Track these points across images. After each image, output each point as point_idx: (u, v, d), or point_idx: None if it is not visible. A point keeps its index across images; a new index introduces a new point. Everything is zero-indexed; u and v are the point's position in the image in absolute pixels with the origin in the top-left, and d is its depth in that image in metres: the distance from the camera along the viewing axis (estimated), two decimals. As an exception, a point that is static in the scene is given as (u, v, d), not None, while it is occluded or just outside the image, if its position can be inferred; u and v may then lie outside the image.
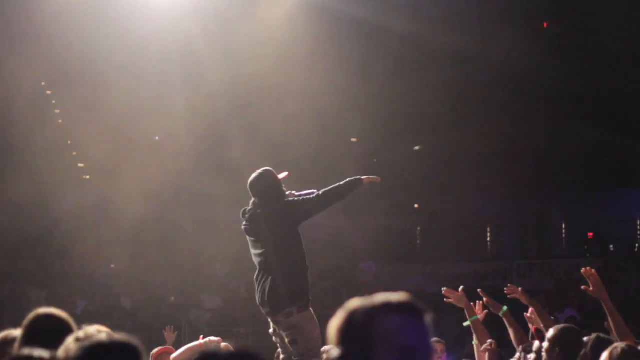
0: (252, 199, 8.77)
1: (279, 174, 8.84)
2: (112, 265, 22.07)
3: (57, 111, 22.36)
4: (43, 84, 21.80)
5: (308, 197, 8.73)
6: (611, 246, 24.97)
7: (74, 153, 22.58)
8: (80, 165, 22.78)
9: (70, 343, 3.52)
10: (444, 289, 8.39)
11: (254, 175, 8.76)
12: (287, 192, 8.76)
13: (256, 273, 8.69)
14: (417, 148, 24.26)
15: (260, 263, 8.66)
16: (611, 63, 23.00)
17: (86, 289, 21.26)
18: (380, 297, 3.08)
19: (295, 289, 8.50)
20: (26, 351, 3.40)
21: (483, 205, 26.43)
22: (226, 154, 21.80)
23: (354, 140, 23.62)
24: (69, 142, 22.43)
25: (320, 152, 21.79)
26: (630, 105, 23.58)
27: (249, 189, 8.74)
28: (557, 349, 6.27)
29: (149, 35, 20.19)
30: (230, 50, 20.79)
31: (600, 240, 25.21)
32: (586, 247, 25.52)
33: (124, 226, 20.84)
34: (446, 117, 23.37)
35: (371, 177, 8.95)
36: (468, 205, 25.53)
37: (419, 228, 24.64)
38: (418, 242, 24.33)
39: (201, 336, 10.06)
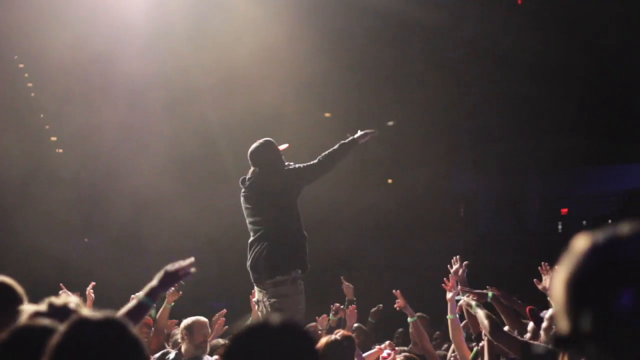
0: (252, 169, 8.81)
1: (279, 145, 8.90)
2: (86, 239, 22.01)
3: (29, 84, 22.16)
4: (16, 57, 21.63)
5: (307, 163, 8.79)
6: (584, 222, 25.13)
7: (47, 127, 22.41)
8: (53, 139, 22.61)
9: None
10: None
11: (254, 145, 8.82)
12: (286, 164, 8.81)
13: (251, 240, 8.70)
14: (390, 123, 24.23)
15: (256, 231, 8.68)
16: (588, 39, 23.05)
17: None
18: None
19: (293, 257, 8.54)
20: (29, 321, 3.39)
21: (456, 180, 26.54)
22: (204, 123, 21.77)
23: (327, 115, 23.57)
24: (42, 115, 22.28)
25: (296, 128, 21.77)
26: (605, 80, 23.67)
27: (249, 158, 8.79)
28: (554, 327, 6.31)
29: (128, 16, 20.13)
30: (206, 32, 20.72)
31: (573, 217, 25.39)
32: (560, 223, 25.68)
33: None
34: (420, 92, 23.37)
35: (366, 132, 9.03)
36: (442, 180, 25.61)
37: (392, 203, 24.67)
38: (392, 217, 24.32)
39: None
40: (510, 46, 23.17)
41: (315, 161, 8.84)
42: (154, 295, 4.53)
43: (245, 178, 8.84)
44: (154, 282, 4.55)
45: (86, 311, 3.57)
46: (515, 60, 23.63)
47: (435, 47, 23.13)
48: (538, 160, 26.17)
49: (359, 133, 9.06)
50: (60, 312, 3.53)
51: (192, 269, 4.57)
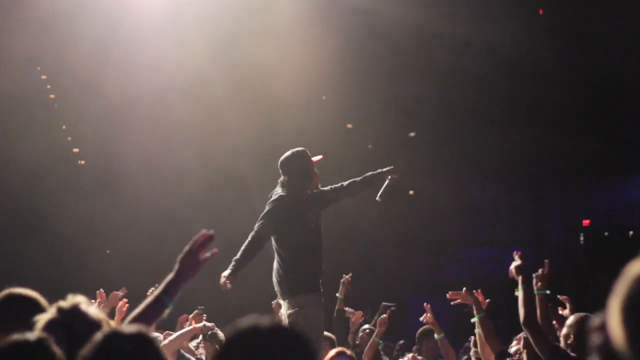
0: (281, 178, 8.73)
1: (313, 156, 8.81)
2: (108, 251, 22.04)
3: (51, 96, 22.25)
4: (38, 68, 21.72)
5: (335, 186, 8.73)
6: (606, 233, 24.99)
7: (69, 138, 22.49)
8: (75, 150, 22.69)
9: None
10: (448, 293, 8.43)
11: (287, 153, 8.73)
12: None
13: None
14: (412, 134, 24.20)
15: (275, 249, 8.65)
16: (611, 47, 22.95)
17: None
18: None
19: (305, 273, 8.47)
20: (16, 336, 3.41)
21: (478, 190, 26.46)
22: (222, 142, 21.80)
23: (349, 126, 23.56)
24: (64, 127, 22.35)
25: (316, 139, 21.78)
26: (627, 90, 23.55)
27: (279, 166, 8.70)
28: (572, 336, 6.31)
29: (145, 16, 20.22)
30: (224, 38, 20.78)
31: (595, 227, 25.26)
32: (582, 234, 25.53)
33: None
34: (442, 103, 23.34)
35: (392, 171, 8.91)
36: (463, 189, 25.53)
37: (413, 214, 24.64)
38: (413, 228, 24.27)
39: (193, 320, 10.05)
40: (533, 56, 23.10)
41: (344, 185, 8.78)
42: (173, 291, 4.18)
43: (271, 194, 8.76)
44: (171, 275, 4.23)
45: (95, 311, 3.61)
46: (536, 70, 23.57)
47: (457, 59, 23.07)
48: (559, 170, 26.05)
49: (387, 169, 8.95)
50: (70, 315, 3.58)
51: (213, 250, 4.22)
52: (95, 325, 3.63)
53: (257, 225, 8.40)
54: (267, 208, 8.50)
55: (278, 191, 8.60)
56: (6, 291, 4.31)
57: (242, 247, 8.33)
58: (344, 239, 21.67)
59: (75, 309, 3.66)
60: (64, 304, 3.67)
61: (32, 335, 3.34)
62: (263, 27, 20.61)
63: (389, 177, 8.95)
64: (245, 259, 8.30)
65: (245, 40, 20.78)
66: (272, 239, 8.52)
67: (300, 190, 8.60)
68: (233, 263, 8.25)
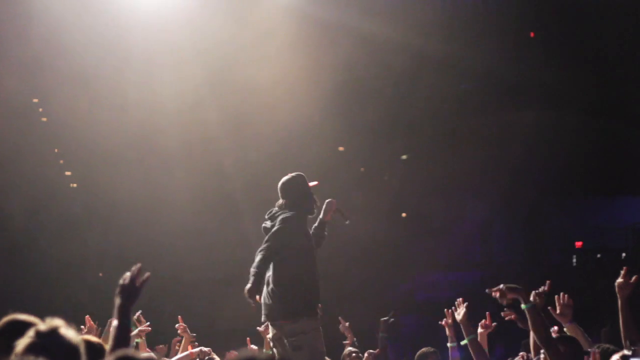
0: (279, 201, 8.76)
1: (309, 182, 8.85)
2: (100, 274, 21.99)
3: (43, 119, 22.25)
4: (34, 100, 21.77)
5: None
6: (599, 255, 24.99)
7: (61, 161, 22.48)
8: (68, 173, 22.68)
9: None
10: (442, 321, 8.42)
11: (285, 177, 8.78)
12: (329, 200, 8.84)
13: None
14: (404, 157, 24.23)
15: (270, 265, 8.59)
16: (602, 69, 23.06)
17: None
18: None
19: (303, 298, 8.41)
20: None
21: (471, 211, 26.46)
22: (216, 161, 21.82)
23: (341, 149, 23.59)
24: (56, 150, 22.35)
25: (308, 161, 21.82)
26: (620, 111, 23.64)
27: (278, 189, 8.74)
28: None
29: (136, 41, 20.25)
30: (216, 56, 20.83)
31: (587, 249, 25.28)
32: (574, 256, 25.54)
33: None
34: (433, 124, 23.40)
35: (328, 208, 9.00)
36: (457, 211, 25.53)
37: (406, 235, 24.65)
38: (406, 249, 24.26)
39: (189, 345, 10.04)
40: (524, 77, 23.19)
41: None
42: (126, 314, 4.57)
43: (271, 210, 8.78)
44: (118, 301, 4.58)
45: (73, 334, 3.61)
46: (528, 91, 23.65)
47: (449, 80, 23.14)
48: (551, 190, 26.09)
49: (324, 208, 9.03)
50: (49, 338, 3.58)
51: (146, 274, 4.60)
52: (73, 349, 3.65)
53: (271, 240, 8.35)
54: (278, 226, 8.47)
55: (282, 212, 8.60)
56: (8, 317, 4.31)
57: (259, 261, 8.22)
58: (338, 260, 21.69)
59: (53, 333, 3.66)
60: (42, 327, 3.67)
61: None
62: (256, 50, 20.66)
63: (329, 214, 9.02)
64: (264, 271, 8.28)
65: (239, 64, 20.83)
66: (279, 258, 8.48)
67: (306, 212, 8.64)
68: (255, 277, 8.14)
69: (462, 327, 8.24)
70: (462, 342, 8.21)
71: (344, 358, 10.29)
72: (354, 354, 10.73)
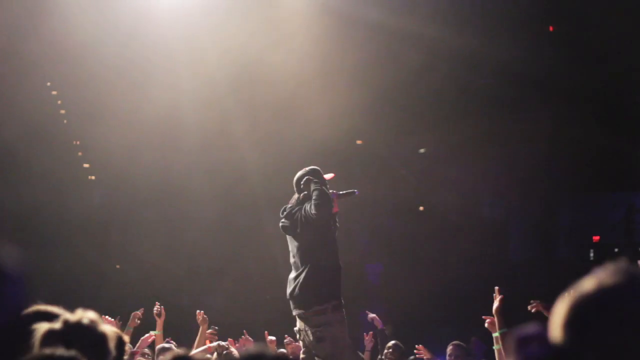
0: (295, 195, 8.79)
1: (325, 174, 8.89)
2: (117, 266, 22.05)
3: (62, 111, 22.33)
4: (49, 84, 21.79)
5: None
6: (616, 249, 24.89)
7: (80, 153, 22.55)
8: (86, 165, 22.75)
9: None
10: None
11: (300, 172, 8.83)
12: (331, 192, 8.81)
13: (291, 273, 8.62)
14: (422, 151, 24.19)
15: (294, 263, 8.63)
16: (620, 64, 22.95)
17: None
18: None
19: (330, 286, 8.48)
20: (47, 351, 3.40)
21: (487, 208, 26.39)
22: (233, 155, 21.82)
23: (359, 142, 23.58)
24: (76, 142, 22.41)
25: (326, 154, 21.83)
26: (637, 107, 23.54)
27: (294, 184, 8.78)
28: None
29: (157, 37, 20.29)
30: (239, 50, 20.83)
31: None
32: (591, 250, 25.45)
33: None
34: (451, 119, 23.33)
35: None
36: (473, 207, 25.48)
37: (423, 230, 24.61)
38: (422, 245, 24.22)
39: (207, 340, 10.08)
40: (543, 73, 23.10)
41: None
42: None
43: (285, 207, 8.79)
44: None
45: (107, 328, 3.62)
46: (547, 87, 23.55)
47: (467, 73, 23.07)
48: (569, 186, 25.98)
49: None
50: (73, 329, 3.57)
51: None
52: (99, 342, 3.62)
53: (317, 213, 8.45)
54: (314, 212, 8.47)
55: (299, 206, 8.60)
56: (33, 307, 4.32)
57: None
58: (353, 253, 21.70)
59: (80, 324, 3.64)
60: (71, 317, 3.66)
61: (63, 352, 3.31)
62: (277, 43, 20.64)
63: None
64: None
65: (259, 56, 20.82)
66: (309, 247, 8.50)
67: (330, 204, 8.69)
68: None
69: (495, 317, 8.24)
70: (494, 334, 8.25)
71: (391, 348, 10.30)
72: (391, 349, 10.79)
